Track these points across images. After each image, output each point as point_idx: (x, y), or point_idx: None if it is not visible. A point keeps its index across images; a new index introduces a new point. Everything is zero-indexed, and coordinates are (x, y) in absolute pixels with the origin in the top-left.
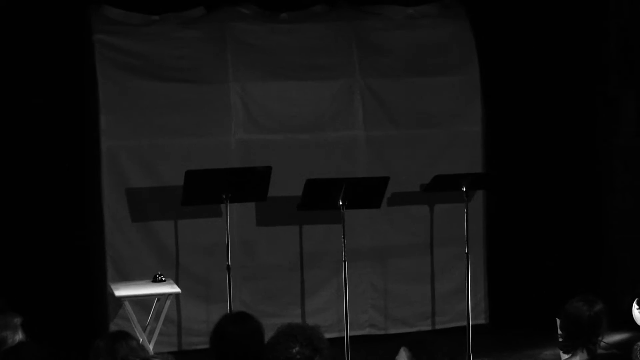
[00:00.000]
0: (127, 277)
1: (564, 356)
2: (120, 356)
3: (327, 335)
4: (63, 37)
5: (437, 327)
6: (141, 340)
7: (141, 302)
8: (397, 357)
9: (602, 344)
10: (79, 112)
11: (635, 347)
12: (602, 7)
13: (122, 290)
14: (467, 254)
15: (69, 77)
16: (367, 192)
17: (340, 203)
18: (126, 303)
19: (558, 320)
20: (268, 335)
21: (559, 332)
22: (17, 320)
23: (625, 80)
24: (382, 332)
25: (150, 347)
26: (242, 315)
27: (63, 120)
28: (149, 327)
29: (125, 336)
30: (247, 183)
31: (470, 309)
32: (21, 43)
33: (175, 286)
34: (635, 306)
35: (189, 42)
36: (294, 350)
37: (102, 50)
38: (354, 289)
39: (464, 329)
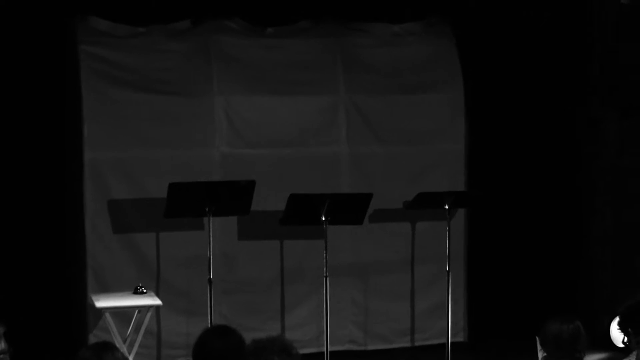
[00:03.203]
0: (108, 289)
1: None
2: None
3: (307, 350)
4: (48, 47)
5: (417, 344)
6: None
7: (121, 313)
8: None
9: None
10: (63, 122)
11: None
12: (586, 29)
13: (102, 302)
14: (448, 271)
15: (53, 87)
16: (350, 208)
17: (323, 218)
18: (107, 314)
19: (538, 339)
20: None
21: (539, 349)
22: (0, 330)
23: (607, 101)
24: (362, 348)
25: (130, 359)
26: (224, 328)
27: (46, 130)
28: (129, 339)
29: (111, 347)
30: (231, 197)
31: (450, 326)
32: (5, 51)
33: (157, 298)
34: (614, 326)
35: (175, 54)
36: None
37: (87, 61)
38: (335, 305)
39: (443, 346)
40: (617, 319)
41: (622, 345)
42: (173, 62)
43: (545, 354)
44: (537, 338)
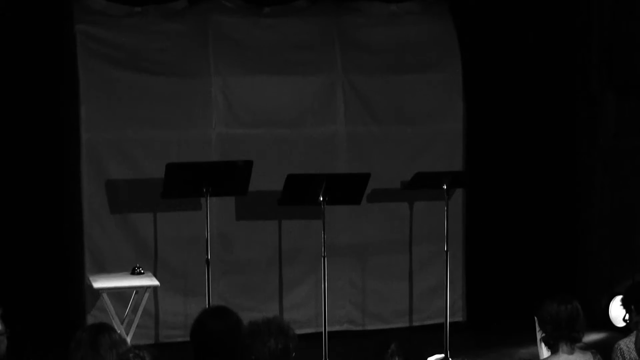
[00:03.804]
0: (105, 269)
1: (545, 353)
2: (103, 348)
3: (305, 331)
4: (44, 27)
5: (415, 324)
6: (119, 332)
7: (119, 294)
8: None
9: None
10: (59, 103)
11: (616, 346)
12: (584, 8)
13: (100, 282)
14: (446, 251)
15: (50, 67)
16: (348, 189)
17: (321, 199)
18: (104, 295)
19: (536, 319)
20: None
21: (538, 330)
22: None
23: (605, 82)
24: (360, 328)
25: (128, 339)
26: (221, 309)
27: (43, 111)
28: (126, 320)
29: (107, 329)
30: (228, 177)
31: (448, 306)
32: (1, 31)
33: (154, 279)
34: (613, 305)
35: (171, 34)
36: (271, 343)
37: (84, 41)
38: (333, 285)
39: (441, 326)
40: (616, 299)
41: (621, 325)
42: (170, 42)
43: (543, 334)
44: (535, 318)
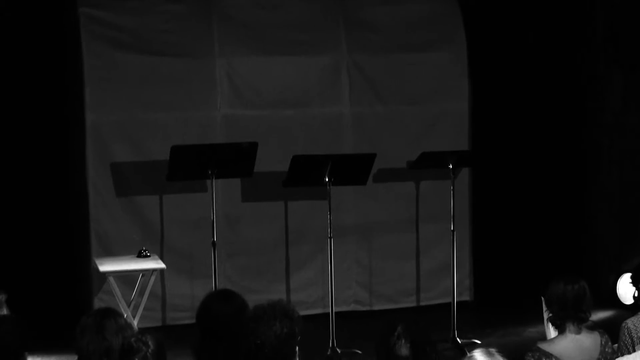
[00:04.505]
0: (112, 252)
1: (552, 333)
2: (109, 333)
3: (312, 312)
4: (48, 10)
5: (422, 303)
6: (125, 315)
7: (125, 277)
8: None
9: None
10: (64, 86)
11: (623, 325)
12: None
13: (106, 266)
14: (452, 231)
15: (54, 50)
16: (354, 169)
17: (327, 179)
18: (110, 278)
19: (543, 299)
20: None
21: (545, 310)
22: (2, 297)
23: (612, 58)
24: (367, 309)
25: (135, 322)
26: (227, 292)
27: (47, 94)
28: (133, 302)
29: (113, 313)
30: (233, 159)
31: (455, 285)
32: (5, 15)
33: (160, 262)
34: (621, 283)
35: (175, 15)
36: (276, 327)
37: (88, 23)
38: (339, 266)
39: (448, 305)
40: (624, 276)
41: (629, 302)
42: (174, 23)
43: (550, 315)
44: (542, 299)
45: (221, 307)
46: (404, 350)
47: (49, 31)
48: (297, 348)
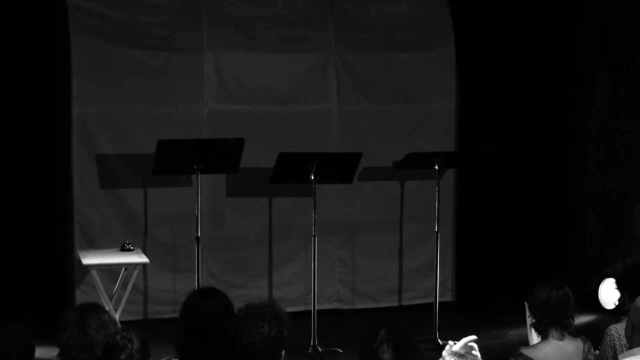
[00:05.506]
0: (95, 245)
1: (535, 338)
2: (90, 329)
3: (294, 309)
4: (37, 1)
5: (404, 303)
6: (107, 308)
7: (108, 270)
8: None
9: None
10: (51, 77)
11: (607, 331)
12: None
13: (89, 259)
14: (437, 231)
15: (42, 41)
16: (340, 167)
17: (313, 177)
18: (93, 271)
19: (527, 304)
20: (236, 308)
21: (528, 315)
22: None
23: (599, 62)
24: (349, 307)
25: (117, 316)
26: (210, 290)
27: (35, 85)
28: (115, 295)
29: (97, 309)
30: (220, 154)
31: (438, 286)
32: None
33: (144, 256)
34: (603, 288)
35: (164, 9)
36: (264, 328)
37: (76, 15)
38: (322, 263)
39: (430, 306)
40: (606, 281)
41: (611, 307)
42: (163, 17)
43: (534, 320)
44: (525, 304)
45: (205, 304)
46: (386, 355)
47: (37, 22)
48: (283, 352)
